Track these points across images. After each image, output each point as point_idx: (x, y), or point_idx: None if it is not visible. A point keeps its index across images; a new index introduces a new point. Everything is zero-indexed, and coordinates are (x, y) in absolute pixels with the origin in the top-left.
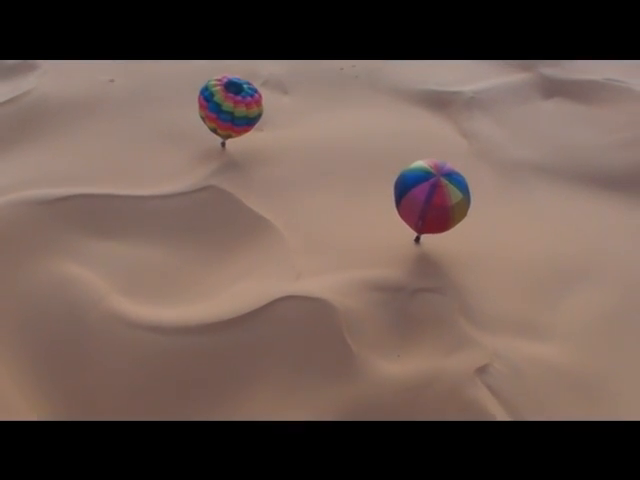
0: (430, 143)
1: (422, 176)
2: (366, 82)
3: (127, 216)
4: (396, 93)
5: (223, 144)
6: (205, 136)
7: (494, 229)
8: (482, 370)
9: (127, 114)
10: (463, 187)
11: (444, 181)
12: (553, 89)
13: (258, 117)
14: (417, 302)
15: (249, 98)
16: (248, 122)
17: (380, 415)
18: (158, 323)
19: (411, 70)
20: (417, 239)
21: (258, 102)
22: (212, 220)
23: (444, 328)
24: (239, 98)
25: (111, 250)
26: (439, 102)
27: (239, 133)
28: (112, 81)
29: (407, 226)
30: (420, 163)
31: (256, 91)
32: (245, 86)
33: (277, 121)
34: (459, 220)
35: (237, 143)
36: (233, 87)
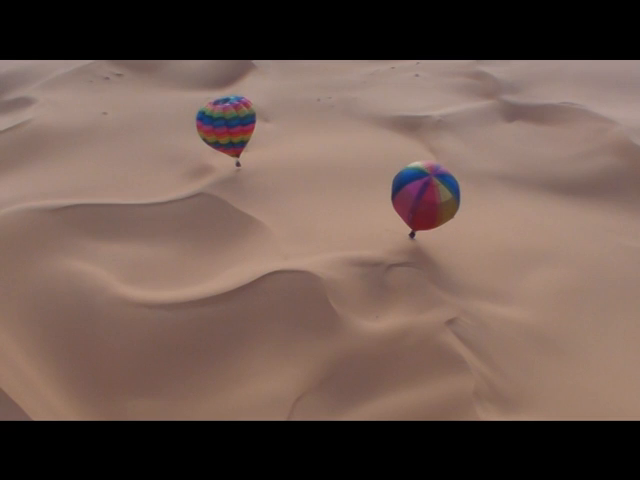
0: (400, 157)
1: (417, 174)
2: (341, 110)
3: (127, 221)
4: (369, 119)
5: (238, 164)
6: (195, 158)
7: (463, 224)
8: (451, 322)
9: (121, 141)
10: (454, 189)
11: (436, 181)
12: (515, 113)
13: (250, 117)
14: (393, 274)
15: (236, 102)
16: (241, 122)
17: (363, 363)
18: (161, 301)
19: (383, 100)
20: (412, 234)
21: (247, 104)
22: (205, 221)
23: (416, 293)
24: (227, 105)
25: (114, 249)
26: (409, 125)
27: (236, 135)
28: (105, 114)
29: (384, 217)
30: (417, 163)
31: (242, 98)
32: (231, 97)
33: (261, 143)
34: (447, 218)
35: (227, 161)
36: (220, 101)
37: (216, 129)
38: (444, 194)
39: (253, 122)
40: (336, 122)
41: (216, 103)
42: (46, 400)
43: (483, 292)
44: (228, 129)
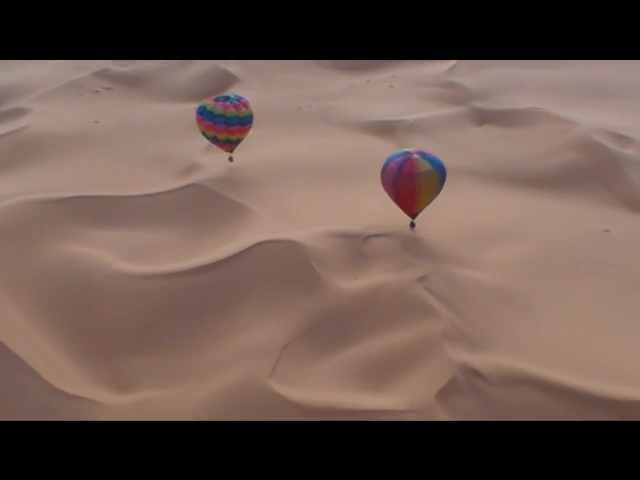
0: (375, 155)
1: (401, 154)
2: (321, 117)
3: (123, 210)
4: (347, 124)
5: (231, 159)
6: (186, 158)
7: (433, 208)
8: (422, 279)
9: (113, 145)
10: (435, 163)
11: (416, 156)
12: (484, 118)
13: (249, 118)
14: (370, 243)
15: (236, 102)
16: (240, 122)
17: (343, 315)
18: (159, 272)
19: (359, 108)
20: (412, 225)
21: (246, 104)
22: (196, 208)
23: (391, 258)
24: (228, 103)
25: (112, 235)
26: (384, 129)
27: (234, 133)
28: (97, 122)
29: (363, 201)
30: (405, 149)
31: (242, 98)
32: (232, 96)
33: (248, 145)
34: (427, 191)
35: (216, 161)
36: (221, 98)
37: (216, 126)
38: (423, 165)
39: (251, 122)
40: (316, 127)
41: (217, 100)
42: (51, 360)
43: (451, 258)
44: (227, 127)
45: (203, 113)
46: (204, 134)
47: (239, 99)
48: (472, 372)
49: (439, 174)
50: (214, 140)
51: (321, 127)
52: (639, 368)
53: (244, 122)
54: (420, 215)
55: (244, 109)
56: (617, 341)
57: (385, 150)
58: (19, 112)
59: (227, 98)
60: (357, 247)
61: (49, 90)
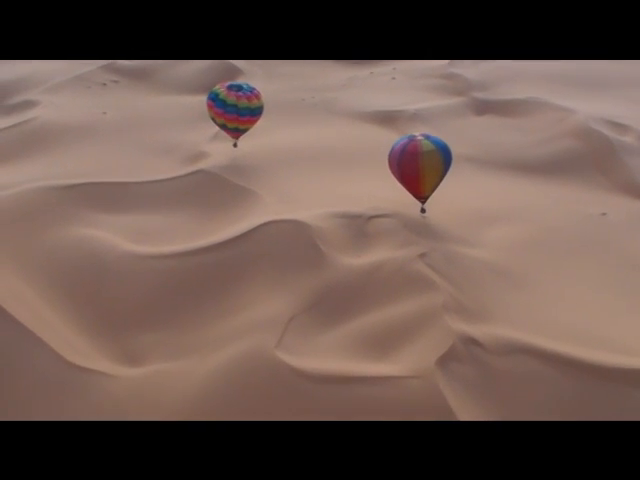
0: (378, 144)
1: (406, 137)
2: (324, 108)
3: (131, 196)
4: (350, 115)
5: (235, 145)
6: (192, 146)
7: (436, 193)
8: (422, 255)
9: (121, 135)
10: (439, 143)
11: (420, 137)
12: (485, 108)
13: (260, 109)
14: (372, 223)
15: (249, 93)
16: (251, 113)
17: (346, 290)
18: (167, 252)
19: (362, 98)
20: (422, 210)
21: (258, 96)
22: (203, 193)
23: (392, 237)
24: (240, 93)
25: (121, 219)
26: (386, 118)
27: (244, 124)
28: (104, 113)
29: (366, 185)
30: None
31: (254, 89)
32: (244, 86)
33: (253, 135)
34: (431, 170)
35: (222, 149)
36: (234, 87)
37: (226, 114)
38: (426, 146)
39: (261, 113)
40: (320, 117)
41: (230, 88)
42: (63, 335)
43: (451, 238)
44: (238, 117)
45: (215, 100)
46: (213, 120)
47: (252, 90)
48: (471, 341)
49: (442, 154)
50: (223, 127)
51: (325, 117)
52: (631, 339)
53: (254, 113)
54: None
55: (256, 101)
56: (611, 315)
57: (387, 138)
58: (28, 104)
59: (240, 88)
60: (360, 227)
61: (57, 83)
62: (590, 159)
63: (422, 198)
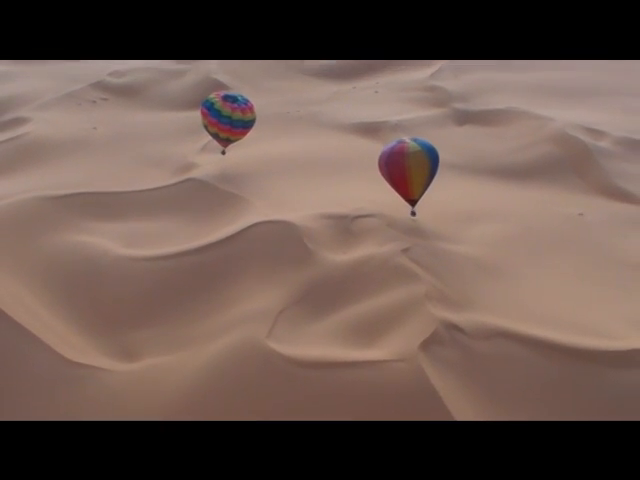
0: (362, 152)
1: (395, 141)
2: (310, 120)
3: (123, 204)
4: (334, 126)
5: (223, 152)
6: (181, 159)
7: None
8: (406, 250)
9: (111, 149)
10: (425, 145)
11: (408, 140)
12: (465, 118)
13: (252, 122)
14: (357, 223)
15: (243, 105)
16: (244, 125)
17: (333, 284)
18: (160, 255)
19: (345, 111)
20: (413, 213)
21: (251, 109)
22: (193, 199)
23: (377, 235)
24: (235, 105)
25: (113, 226)
26: (369, 129)
27: (236, 135)
28: (95, 129)
29: (351, 190)
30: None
31: (248, 101)
32: (239, 97)
33: (240, 145)
34: (417, 170)
35: (211, 160)
36: (229, 98)
37: (220, 124)
38: (413, 147)
39: (252, 126)
40: (305, 129)
41: (225, 99)
42: (61, 334)
43: (433, 235)
44: (231, 128)
45: (210, 109)
46: (205, 127)
47: (246, 102)
48: (452, 326)
49: (428, 155)
50: (214, 136)
51: (310, 129)
52: (609, 325)
53: (247, 125)
54: (404, 201)
55: (249, 114)
56: (588, 303)
57: (371, 147)
58: (19, 121)
59: (235, 99)
60: (346, 226)
61: (48, 100)
62: (568, 163)
63: (412, 200)
